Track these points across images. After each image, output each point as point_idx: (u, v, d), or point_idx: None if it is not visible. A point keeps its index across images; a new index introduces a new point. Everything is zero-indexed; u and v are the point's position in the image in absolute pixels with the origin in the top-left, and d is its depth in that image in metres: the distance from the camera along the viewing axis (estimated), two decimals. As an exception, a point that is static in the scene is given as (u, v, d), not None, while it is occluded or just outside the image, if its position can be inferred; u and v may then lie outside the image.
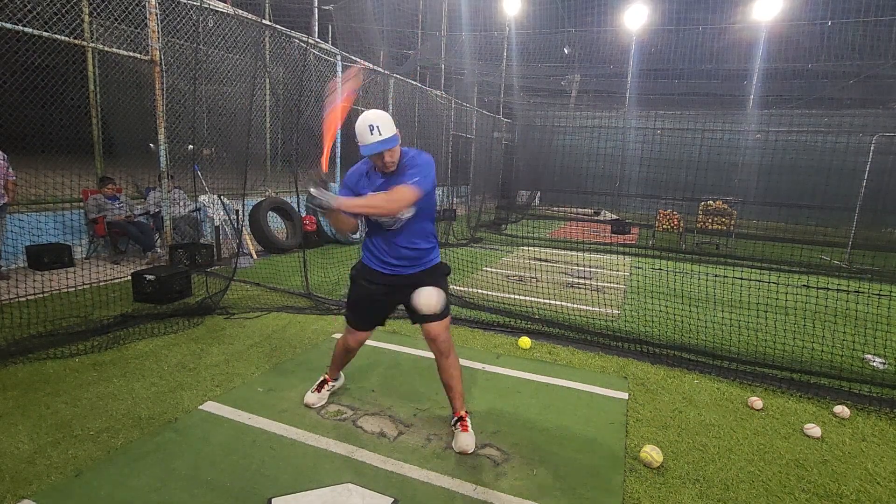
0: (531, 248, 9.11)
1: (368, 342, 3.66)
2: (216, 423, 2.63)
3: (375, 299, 2.57)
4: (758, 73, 15.19)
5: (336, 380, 2.99)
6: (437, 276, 2.55)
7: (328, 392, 2.93)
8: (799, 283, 5.87)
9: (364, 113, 2.30)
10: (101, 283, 4.98)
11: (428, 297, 2.29)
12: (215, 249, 6.43)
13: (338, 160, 9.41)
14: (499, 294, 5.54)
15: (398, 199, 2.24)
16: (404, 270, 2.49)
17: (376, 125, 2.23)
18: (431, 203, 2.47)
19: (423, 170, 2.31)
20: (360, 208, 2.26)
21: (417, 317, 2.45)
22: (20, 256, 5.47)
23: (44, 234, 5.54)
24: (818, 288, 5.45)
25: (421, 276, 2.49)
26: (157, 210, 6.32)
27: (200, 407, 2.79)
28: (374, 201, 2.28)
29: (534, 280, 6.46)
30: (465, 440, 2.48)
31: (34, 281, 4.77)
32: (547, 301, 5.34)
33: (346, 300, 2.75)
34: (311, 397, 2.87)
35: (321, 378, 2.94)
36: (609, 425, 2.83)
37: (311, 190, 2.17)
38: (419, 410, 2.88)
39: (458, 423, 2.56)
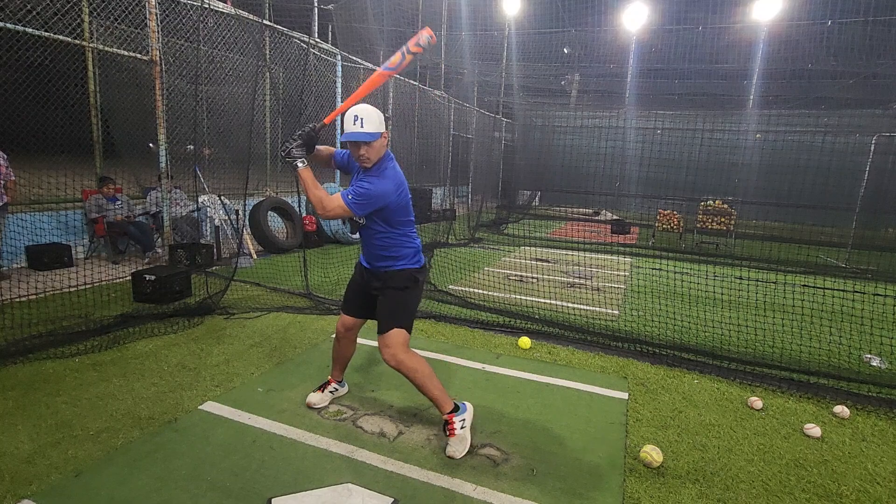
0: (531, 248, 9.11)
1: (368, 342, 3.66)
2: (216, 423, 2.63)
3: (354, 280, 2.74)
4: (758, 73, 15.18)
5: (340, 384, 2.99)
6: (390, 285, 2.53)
7: (330, 394, 2.93)
8: (799, 283, 5.87)
9: (357, 104, 2.35)
10: (101, 283, 4.98)
11: None
12: (215, 249, 6.43)
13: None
14: (499, 294, 5.54)
15: (327, 206, 2.32)
16: (364, 262, 2.63)
17: (361, 117, 2.29)
18: (389, 219, 2.44)
19: (367, 193, 2.30)
20: (305, 188, 2.35)
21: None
22: (20, 256, 5.47)
23: (44, 234, 5.53)
24: (818, 288, 5.44)
25: (375, 274, 2.57)
26: (156, 210, 6.31)
27: (200, 407, 2.79)
28: (316, 193, 2.33)
29: (534, 280, 6.46)
30: (452, 445, 2.46)
31: (34, 281, 4.77)
32: (547, 301, 5.34)
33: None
34: (314, 397, 2.87)
35: (327, 379, 2.97)
36: (609, 425, 2.83)
37: (292, 143, 2.34)
38: (419, 410, 2.88)
39: (446, 427, 2.52)
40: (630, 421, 2.89)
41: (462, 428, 2.52)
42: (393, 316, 2.52)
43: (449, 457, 2.43)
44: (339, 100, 9.07)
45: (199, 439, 2.48)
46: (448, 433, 2.50)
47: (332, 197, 2.33)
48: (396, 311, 2.53)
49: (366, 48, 10.46)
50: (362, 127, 2.28)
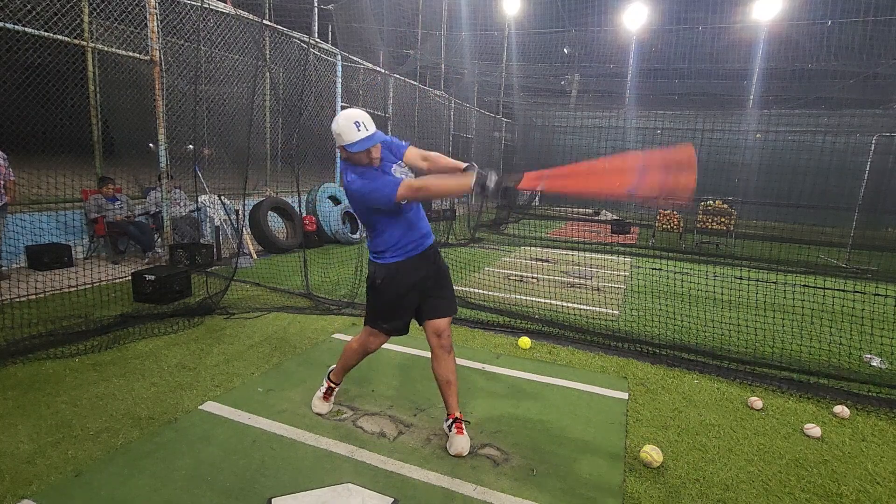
0: (531, 248, 9.11)
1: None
2: (216, 423, 2.63)
3: (413, 296, 2.49)
4: (758, 73, 15.19)
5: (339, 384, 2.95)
6: (442, 262, 2.62)
7: (334, 398, 2.88)
8: (799, 283, 5.87)
9: (342, 112, 2.30)
10: (101, 283, 4.98)
11: None
12: (215, 249, 6.43)
13: (337, 160, 9.40)
14: (499, 294, 5.54)
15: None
16: (424, 249, 2.48)
17: (361, 121, 2.25)
18: None
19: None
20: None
21: (429, 313, 2.51)
22: (20, 256, 5.47)
23: (44, 234, 5.54)
24: (818, 288, 5.45)
25: (437, 259, 2.57)
26: (156, 210, 6.32)
27: (200, 407, 2.79)
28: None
29: (534, 280, 6.46)
30: (462, 443, 2.47)
31: (34, 281, 4.77)
32: (547, 301, 5.34)
33: (371, 311, 2.57)
34: (323, 406, 2.79)
35: (326, 385, 2.81)
36: (609, 425, 2.83)
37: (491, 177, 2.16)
38: (419, 410, 2.88)
39: (454, 425, 2.52)
40: (630, 421, 2.89)
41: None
42: (455, 298, 2.59)
43: (457, 454, 2.44)
44: (338, 99, 9.08)
45: (199, 439, 2.48)
46: (457, 431, 2.50)
47: (417, 181, 2.27)
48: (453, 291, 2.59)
49: (366, 48, 10.47)
50: (367, 130, 2.24)
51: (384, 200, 2.25)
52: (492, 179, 2.16)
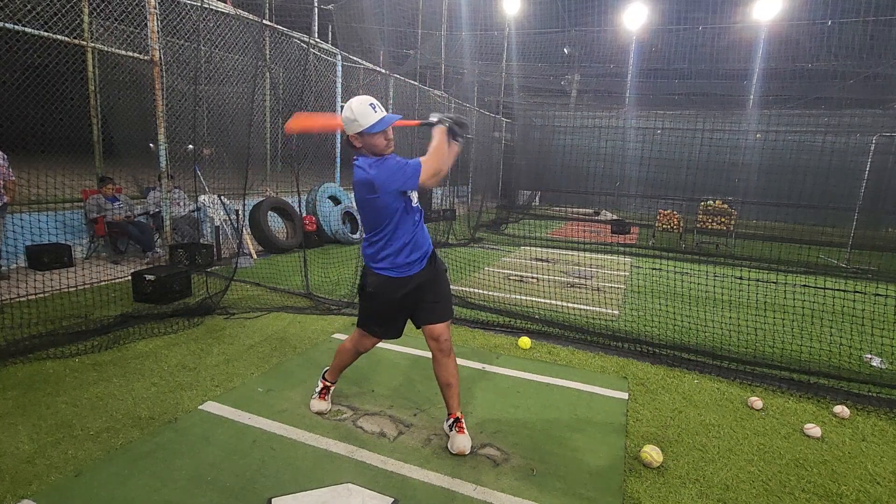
0: (531, 248, 9.11)
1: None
2: (216, 423, 2.63)
3: (406, 305, 2.48)
4: (758, 73, 15.18)
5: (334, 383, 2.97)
6: (441, 267, 2.58)
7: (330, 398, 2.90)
8: (799, 283, 5.87)
9: (353, 99, 2.30)
10: (101, 283, 4.98)
11: None
12: (215, 249, 6.43)
13: (338, 160, 9.41)
14: (499, 294, 5.54)
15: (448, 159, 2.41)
16: (422, 264, 2.44)
17: (374, 102, 2.28)
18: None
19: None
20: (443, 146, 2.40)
21: (424, 318, 2.49)
22: (20, 256, 5.47)
23: (44, 234, 5.54)
24: (818, 288, 5.45)
25: (434, 264, 2.52)
26: (156, 210, 6.32)
27: (200, 407, 2.79)
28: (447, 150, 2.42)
29: (534, 280, 6.46)
30: (463, 442, 2.47)
31: (34, 281, 4.77)
32: (547, 301, 5.34)
33: (364, 315, 2.59)
34: (322, 405, 2.80)
35: (321, 385, 2.83)
36: (609, 425, 2.83)
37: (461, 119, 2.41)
38: (419, 410, 2.88)
39: (455, 425, 2.53)
40: (630, 421, 2.89)
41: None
42: (451, 301, 2.57)
43: (459, 453, 2.44)
44: (338, 99, 9.07)
45: (199, 439, 2.48)
46: (458, 430, 2.51)
47: (431, 168, 2.32)
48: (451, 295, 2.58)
49: (366, 48, 10.47)
50: (383, 111, 2.29)
51: (413, 179, 2.24)
52: (450, 118, 2.41)
